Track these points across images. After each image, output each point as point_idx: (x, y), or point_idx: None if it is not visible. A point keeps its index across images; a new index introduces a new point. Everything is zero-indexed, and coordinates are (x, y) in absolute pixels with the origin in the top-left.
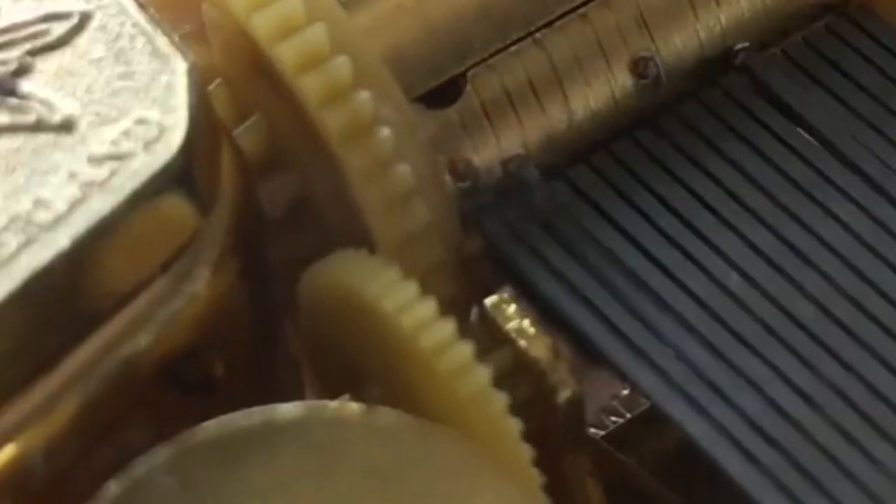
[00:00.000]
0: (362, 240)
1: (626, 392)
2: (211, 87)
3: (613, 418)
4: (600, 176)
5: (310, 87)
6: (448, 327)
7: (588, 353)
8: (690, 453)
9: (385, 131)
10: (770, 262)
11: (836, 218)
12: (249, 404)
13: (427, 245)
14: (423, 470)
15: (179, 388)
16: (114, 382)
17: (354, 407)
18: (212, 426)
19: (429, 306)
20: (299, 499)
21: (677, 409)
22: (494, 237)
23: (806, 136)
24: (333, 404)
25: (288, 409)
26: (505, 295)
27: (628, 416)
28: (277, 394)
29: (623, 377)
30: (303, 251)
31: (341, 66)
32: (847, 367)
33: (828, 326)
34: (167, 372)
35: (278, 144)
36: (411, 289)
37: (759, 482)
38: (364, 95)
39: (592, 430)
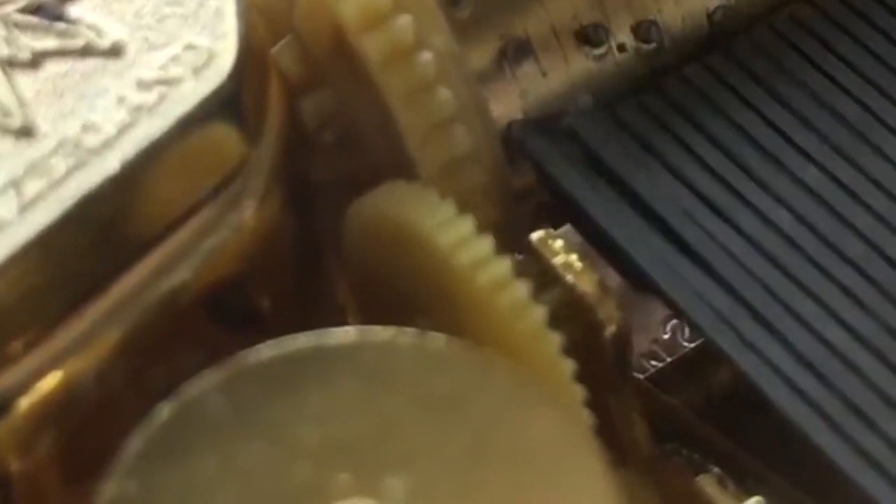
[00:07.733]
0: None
1: (665, 336)
2: (281, 43)
3: (654, 363)
4: (648, 112)
5: (350, 12)
6: (504, 265)
7: (638, 285)
8: (733, 395)
9: (426, 55)
10: (820, 199)
11: (886, 157)
12: None
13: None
14: (475, 396)
15: (225, 319)
16: (160, 310)
17: (407, 333)
18: (264, 349)
19: (485, 243)
20: (351, 423)
21: (727, 342)
22: (545, 167)
23: (856, 75)
24: (386, 330)
25: (341, 334)
26: (551, 230)
27: (668, 360)
28: (322, 326)
29: (673, 308)
30: (347, 177)
31: None
32: None
33: (877, 264)
34: (213, 303)
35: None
36: (467, 224)
37: (808, 416)
38: (405, 19)
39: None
